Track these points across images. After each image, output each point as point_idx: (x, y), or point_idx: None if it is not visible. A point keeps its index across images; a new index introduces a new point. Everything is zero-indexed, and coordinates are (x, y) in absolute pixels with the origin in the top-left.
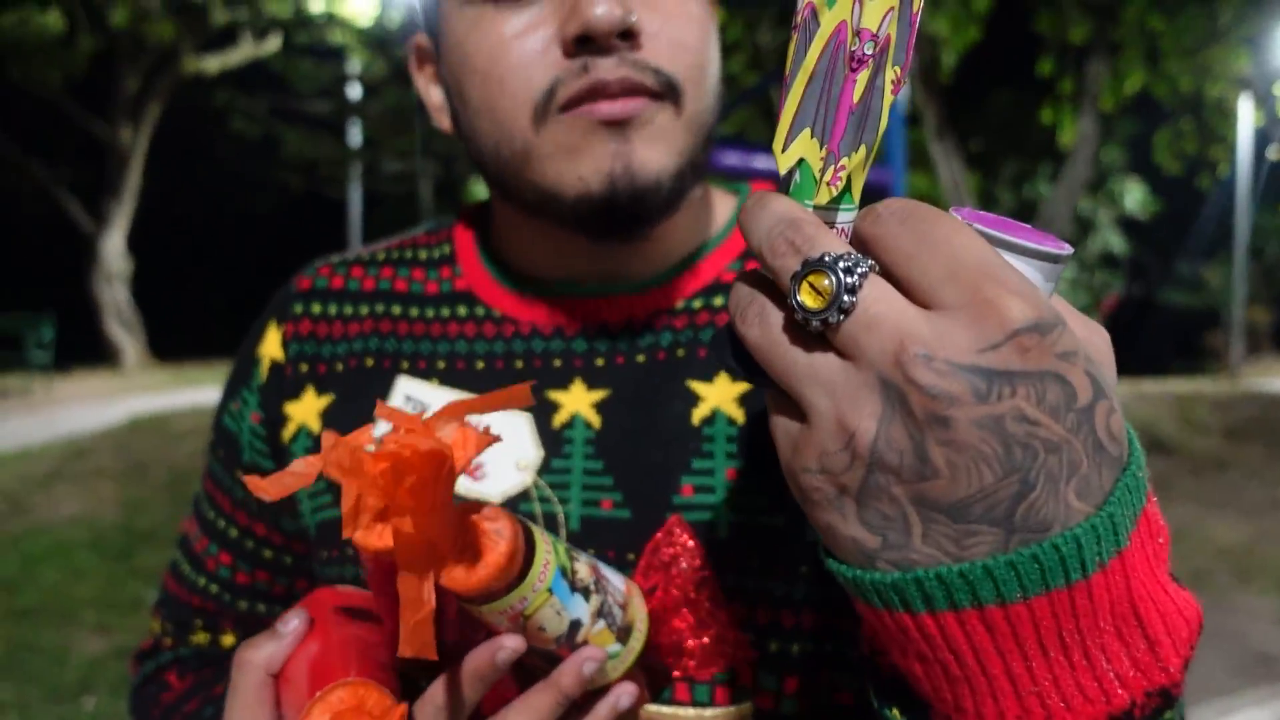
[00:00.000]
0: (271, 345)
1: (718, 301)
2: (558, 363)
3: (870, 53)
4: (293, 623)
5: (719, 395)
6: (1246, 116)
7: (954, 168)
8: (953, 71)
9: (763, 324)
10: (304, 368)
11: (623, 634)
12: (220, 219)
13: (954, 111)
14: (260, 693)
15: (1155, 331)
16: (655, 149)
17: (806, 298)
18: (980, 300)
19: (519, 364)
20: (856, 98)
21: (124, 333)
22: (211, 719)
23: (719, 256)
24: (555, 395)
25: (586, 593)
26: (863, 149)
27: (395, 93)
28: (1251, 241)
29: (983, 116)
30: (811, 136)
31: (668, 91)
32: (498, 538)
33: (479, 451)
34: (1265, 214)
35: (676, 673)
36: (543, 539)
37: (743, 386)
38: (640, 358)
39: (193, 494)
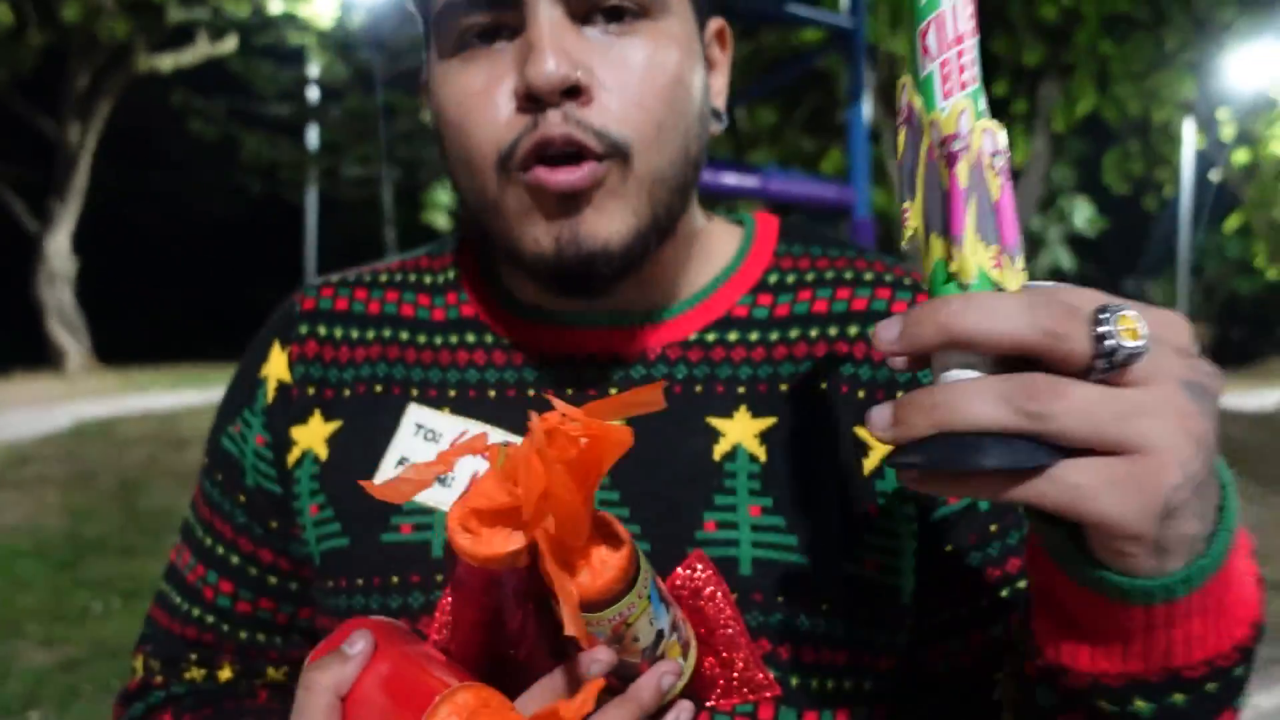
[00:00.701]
0: (277, 366)
1: (731, 336)
2: (570, 391)
3: (958, 149)
4: (359, 645)
5: (739, 431)
6: (1190, 140)
7: None
8: None
9: (1059, 397)
10: (311, 391)
11: (685, 649)
12: (172, 221)
13: None
14: (329, 714)
15: None
16: (604, 216)
17: (1129, 338)
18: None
19: (530, 393)
20: (992, 192)
21: (68, 336)
22: None
23: (730, 290)
24: None
25: (667, 604)
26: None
27: (358, 97)
28: (1193, 260)
29: None
30: (938, 238)
31: (613, 153)
32: (619, 541)
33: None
34: (1206, 234)
35: (700, 703)
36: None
37: (763, 423)
38: None
39: (181, 521)
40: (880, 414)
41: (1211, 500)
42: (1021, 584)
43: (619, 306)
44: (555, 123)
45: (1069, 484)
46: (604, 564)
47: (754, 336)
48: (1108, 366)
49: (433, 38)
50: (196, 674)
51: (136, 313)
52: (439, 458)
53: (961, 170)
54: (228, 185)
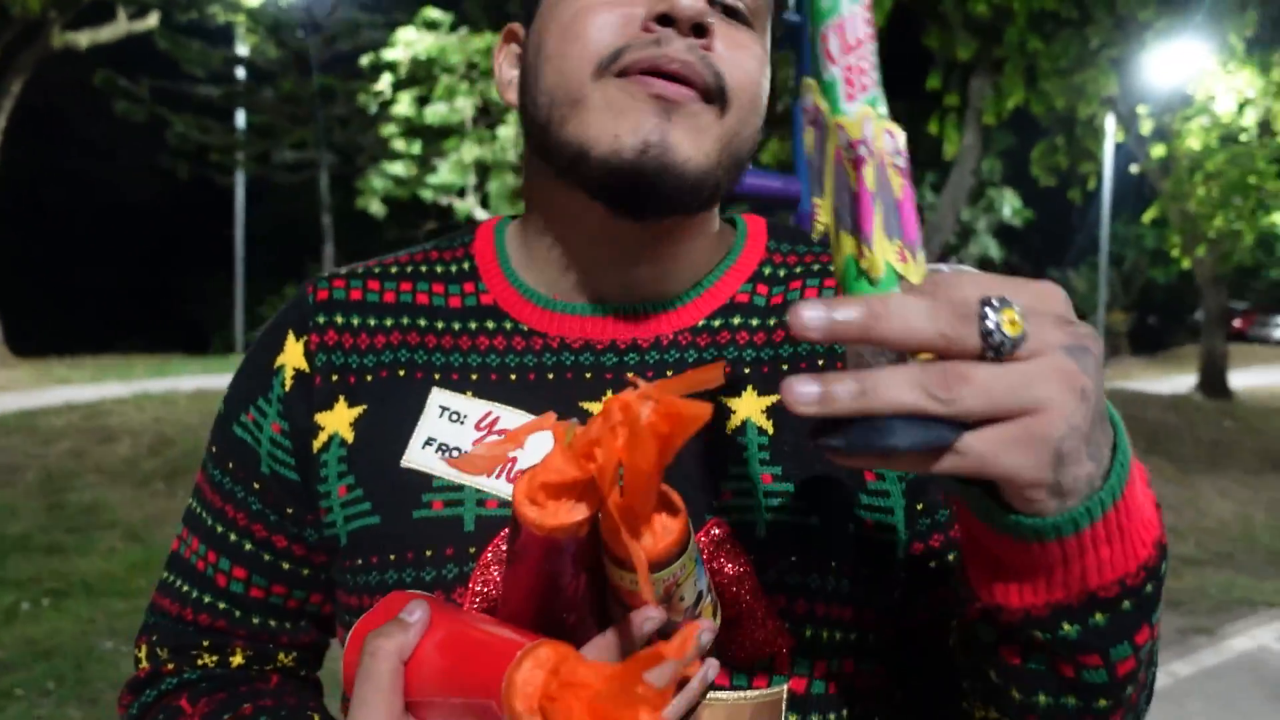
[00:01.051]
0: (293, 356)
1: (735, 320)
2: (589, 375)
3: (864, 155)
4: (417, 613)
5: (748, 408)
6: (1111, 134)
7: None
8: None
9: (964, 382)
10: (334, 378)
11: (715, 610)
12: (90, 205)
13: None
14: (394, 678)
15: None
16: (690, 138)
17: (1011, 330)
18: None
19: (550, 376)
20: (893, 190)
21: None
22: None
23: (731, 279)
24: (588, 405)
25: (704, 569)
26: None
27: (293, 81)
28: (1113, 250)
29: None
30: (848, 235)
31: (718, 95)
32: (676, 509)
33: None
34: (1125, 225)
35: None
36: None
37: (769, 399)
38: (669, 372)
39: (184, 511)
40: (805, 389)
41: (1104, 442)
42: None
43: (632, 296)
44: (680, 48)
45: (975, 453)
46: (665, 529)
47: (755, 322)
48: (996, 355)
49: None
50: (209, 660)
51: (52, 302)
52: (509, 436)
53: (868, 173)
54: (150, 167)
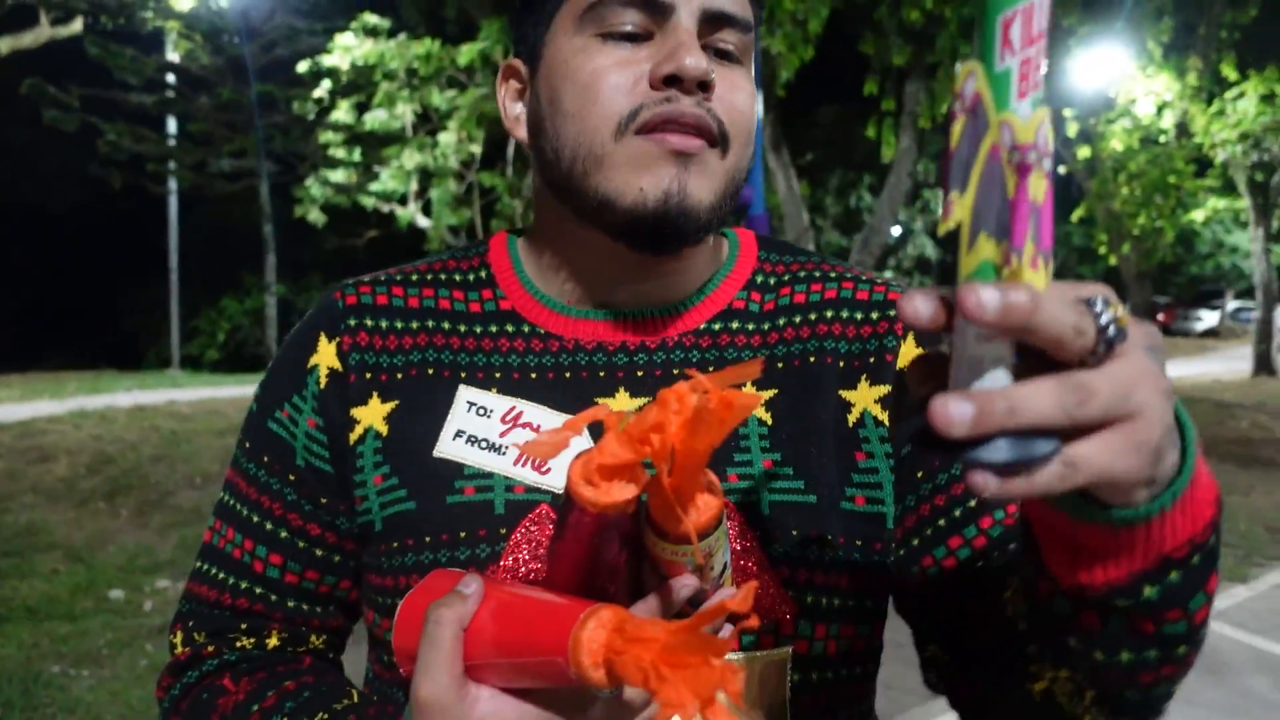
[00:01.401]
0: (326, 356)
1: (734, 324)
2: (602, 374)
3: (1032, 161)
4: (473, 585)
5: None
6: None
7: (788, 178)
8: (787, 88)
9: (1093, 395)
10: (367, 376)
11: (733, 579)
12: (12, 215)
13: (788, 125)
14: (455, 644)
15: None
16: (703, 183)
17: (1121, 323)
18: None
19: (568, 375)
20: (1039, 198)
21: None
22: (311, 700)
23: (728, 286)
24: (604, 402)
25: (728, 542)
26: (1030, 245)
27: (230, 88)
28: None
29: (812, 130)
30: (989, 238)
31: (721, 140)
32: (714, 487)
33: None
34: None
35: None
36: None
37: (766, 394)
38: (675, 370)
39: (215, 506)
40: (960, 411)
41: (1175, 431)
42: None
43: (641, 304)
44: (689, 104)
45: (1089, 465)
46: (706, 505)
47: (751, 326)
48: (1106, 350)
49: (566, 16)
50: (246, 642)
51: None
52: (567, 424)
53: (1034, 182)
54: (75, 174)
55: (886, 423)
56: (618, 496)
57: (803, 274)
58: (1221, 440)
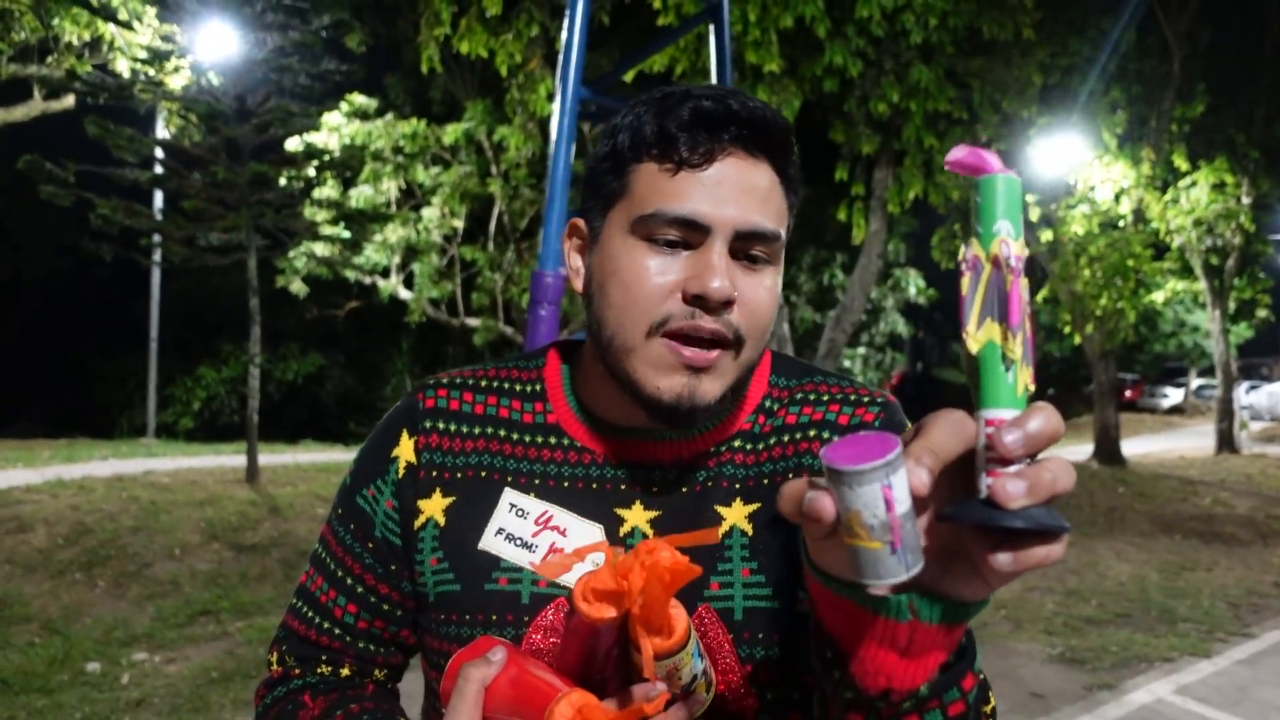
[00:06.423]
0: (406, 450)
1: (736, 444)
2: (623, 487)
3: (1017, 267)
4: (499, 654)
5: (735, 515)
6: None
7: None
8: None
9: (1068, 472)
10: (434, 473)
11: (709, 686)
12: None
13: None
14: (477, 698)
15: (934, 401)
16: (715, 383)
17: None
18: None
19: (594, 485)
20: (1025, 296)
21: None
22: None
23: (740, 413)
24: (621, 511)
25: (702, 657)
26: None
27: (224, 167)
28: None
29: None
30: (994, 322)
31: (736, 343)
32: (682, 616)
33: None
34: None
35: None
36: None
37: (751, 507)
38: (684, 488)
39: (311, 554)
40: (1017, 487)
41: None
42: None
43: (665, 428)
44: (710, 321)
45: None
46: (671, 632)
47: (749, 446)
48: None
49: (621, 213)
50: (325, 669)
51: None
52: (574, 551)
53: (1021, 282)
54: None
55: None
56: (604, 614)
57: (800, 396)
58: (1185, 516)
